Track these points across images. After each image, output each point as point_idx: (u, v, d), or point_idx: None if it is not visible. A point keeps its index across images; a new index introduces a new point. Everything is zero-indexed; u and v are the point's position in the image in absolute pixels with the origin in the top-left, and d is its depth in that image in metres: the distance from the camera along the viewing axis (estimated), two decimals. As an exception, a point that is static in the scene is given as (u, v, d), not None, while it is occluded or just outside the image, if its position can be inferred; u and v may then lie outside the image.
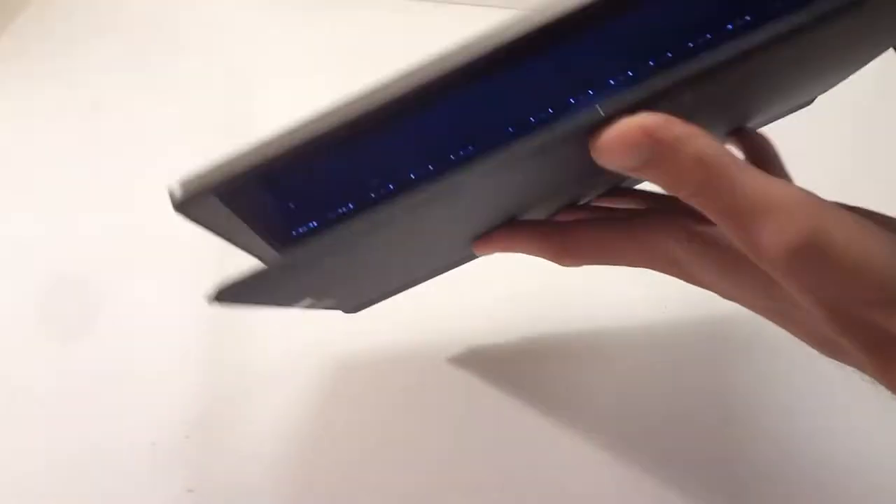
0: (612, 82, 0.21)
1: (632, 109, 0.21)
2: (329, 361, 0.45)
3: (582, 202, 0.35)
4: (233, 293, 0.25)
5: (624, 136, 0.21)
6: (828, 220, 0.22)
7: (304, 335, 0.46)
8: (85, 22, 0.82)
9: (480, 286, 0.47)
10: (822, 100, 0.55)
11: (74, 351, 0.46)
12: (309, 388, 0.44)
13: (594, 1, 0.19)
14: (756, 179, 0.22)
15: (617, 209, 0.35)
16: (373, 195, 0.22)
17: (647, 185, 0.28)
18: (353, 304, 0.39)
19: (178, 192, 0.23)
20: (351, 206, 0.23)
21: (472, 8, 0.87)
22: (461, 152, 0.21)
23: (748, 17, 0.20)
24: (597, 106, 0.21)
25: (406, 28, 0.84)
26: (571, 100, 0.21)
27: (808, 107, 0.45)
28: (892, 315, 0.22)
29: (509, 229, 0.32)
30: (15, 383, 0.44)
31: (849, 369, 0.28)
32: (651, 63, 0.21)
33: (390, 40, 0.82)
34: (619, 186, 0.35)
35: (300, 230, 0.23)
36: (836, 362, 0.29)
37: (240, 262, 0.53)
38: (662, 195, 0.35)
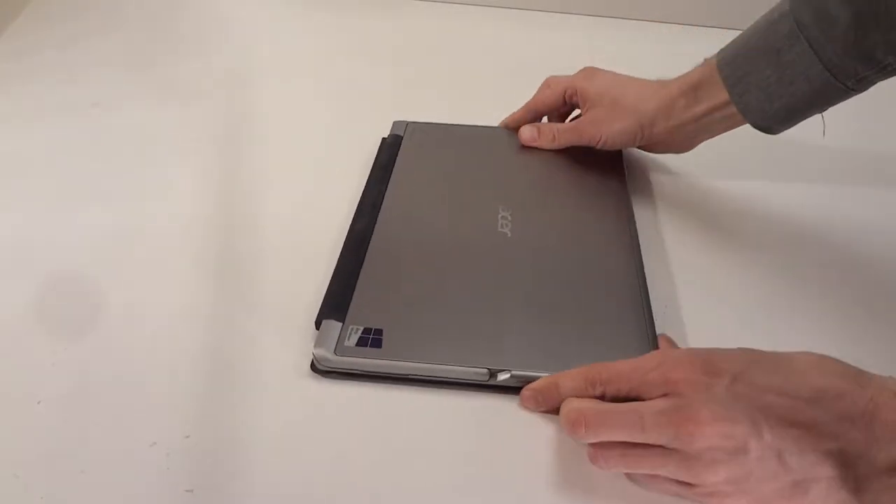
0: None
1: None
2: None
3: None
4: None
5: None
6: None
7: (302, 336, 0.46)
8: (85, 22, 0.82)
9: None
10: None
11: (74, 352, 0.46)
12: (308, 389, 0.44)
13: None
14: None
15: None
16: None
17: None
18: None
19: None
20: None
21: (471, 8, 0.87)
22: None
23: None
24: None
25: (405, 27, 0.84)
26: None
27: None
28: None
29: None
30: (15, 383, 0.44)
31: None
32: None
33: (389, 39, 0.82)
34: None
35: None
36: None
37: (239, 265, 0.53)
38: None
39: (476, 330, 0.45)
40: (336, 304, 0.46)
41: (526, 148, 0.61)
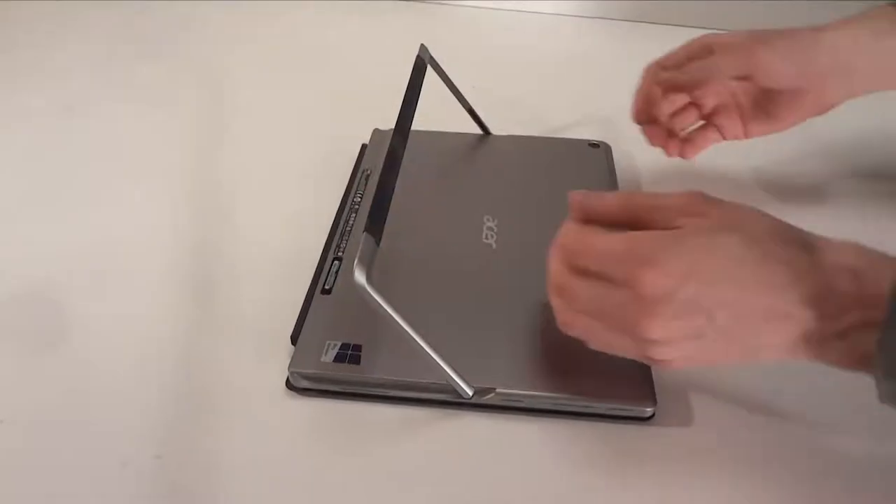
0: None
1: None
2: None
3: None
4: None
5: None
6: None
7: (278, 352, 0.45)
8: (57, 25, 0.81)
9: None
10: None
11: (41, 369, 0.45)
12: (284, 407, 0.43)
13: None
14: None
15: None
16: None
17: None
18: None
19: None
20: None
21: (458, 7, 0.86)
22: None
23: None
24: None
25: (383, 27, 0.83)
26: None
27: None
28: None
29: None
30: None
31: None
32: None
33: (367, 40, 0.81)
34: None
35: None
36: None
37: (213, 279, 0.51)
38: None
39: (459, 346, 0.43)
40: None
41: (512, 156, 0.60)
